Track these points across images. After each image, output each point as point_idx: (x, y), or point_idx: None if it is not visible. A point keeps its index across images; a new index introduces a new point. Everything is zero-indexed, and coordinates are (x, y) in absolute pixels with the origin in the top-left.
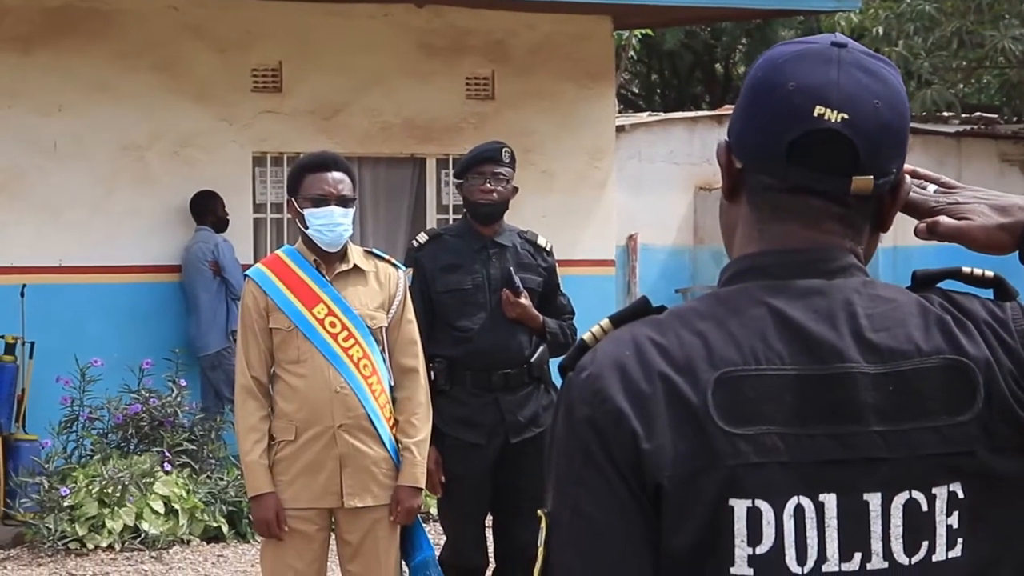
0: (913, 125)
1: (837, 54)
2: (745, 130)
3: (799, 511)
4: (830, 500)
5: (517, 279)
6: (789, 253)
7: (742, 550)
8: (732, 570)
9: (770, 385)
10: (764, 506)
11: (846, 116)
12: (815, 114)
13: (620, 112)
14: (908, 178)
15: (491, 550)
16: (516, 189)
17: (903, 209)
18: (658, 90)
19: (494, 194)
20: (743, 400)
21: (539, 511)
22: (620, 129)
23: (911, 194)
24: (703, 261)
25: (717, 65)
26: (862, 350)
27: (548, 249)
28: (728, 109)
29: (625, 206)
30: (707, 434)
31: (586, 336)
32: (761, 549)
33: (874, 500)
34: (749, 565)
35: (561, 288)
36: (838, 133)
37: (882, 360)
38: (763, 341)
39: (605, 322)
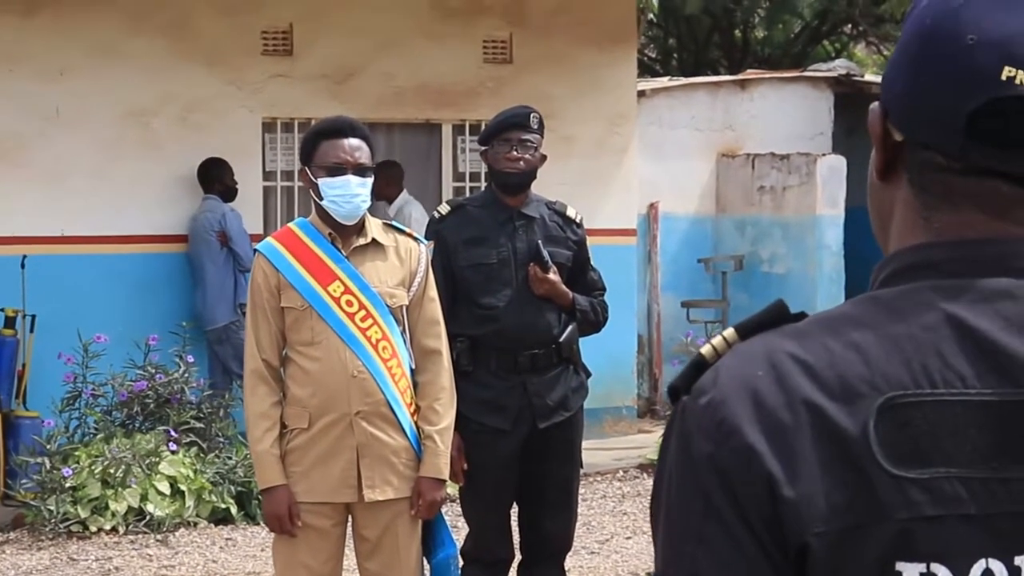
0: None
1: None
2: (909, 94)
3: None
4: None
5: (545, 253)
6: (968, 245)
7: None
8: None
9: (950, 414)
10: (942, 571)
11: None
12: (1004, 77)
13: (637, 77)
14: None
15: (516, 541)
16: (544, 157)
17: None
18: (675, 55)
19: (521, 162)
20: (915, 434)
21: (644, 574)
22: (641, 94)
23: None
24: (725, 230)
25: (736, 30)
26: None
27: (578, 221)
28: (751, 74)
29: (646, 174)
30: (869, 478)
31: (704, 350)
32: None
33: None
34: None
35: (592, 262)
36: None
37: None
38: (939, 357)
39: (729, 332)
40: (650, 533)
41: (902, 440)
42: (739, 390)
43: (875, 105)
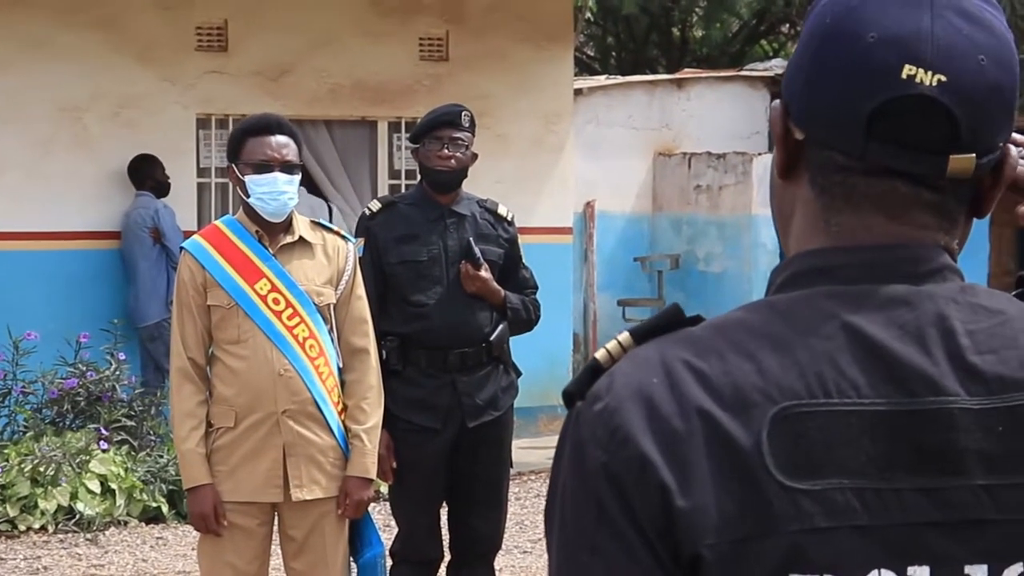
0: None
1: None
2: (809, 93)
3: None
4: (921, 574)
5: (477, 251)
6: (865, 251)
7: None
8: None
9: (844, 424)
10: None
11: (943, 79)
12: (904, 76)
13: (576, 75)
14: (1013, 150)
15: (446, 541)
16: (476, 156)
17: (1008, 187)
18: (613, 53)
19: (452, 160)
20: (808, 444)
21: None
22: (578, 92)
23: (1018, 169)
24: (662, 229)
25: (674, 29)
26: (962, 378)
27: (509, 219)
28: (688, 73)
29: (582, 172)
30: (761, 490)
31: (599, 355)
32: None
33: (978, 574)
34: None
35: (523, 260)
36: (933, 101)
37: (989, 392)
38: (834, 366)
39: (624, 336)
40: None
41: (795, 451)
42: (633, 397)
43: (776, 102)
